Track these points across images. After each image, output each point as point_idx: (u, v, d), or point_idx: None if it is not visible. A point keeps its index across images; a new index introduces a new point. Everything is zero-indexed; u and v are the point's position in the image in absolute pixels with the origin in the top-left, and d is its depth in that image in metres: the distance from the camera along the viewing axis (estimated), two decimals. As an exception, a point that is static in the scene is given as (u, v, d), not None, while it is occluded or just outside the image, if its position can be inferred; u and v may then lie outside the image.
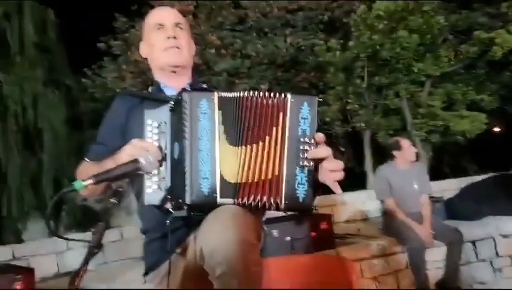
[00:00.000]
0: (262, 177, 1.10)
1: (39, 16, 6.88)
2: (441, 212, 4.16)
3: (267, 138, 1.12)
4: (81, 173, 1.34)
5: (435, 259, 3.47)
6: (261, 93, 1.14)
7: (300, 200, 1.10)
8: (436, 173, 7.26)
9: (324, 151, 1.11)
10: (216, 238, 1.03)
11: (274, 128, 1.11)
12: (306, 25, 7.42)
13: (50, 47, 7.21)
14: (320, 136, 1.11)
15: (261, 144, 1.12)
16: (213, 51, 7.16)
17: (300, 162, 1.10)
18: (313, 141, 1.11)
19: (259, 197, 1.10)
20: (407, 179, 3.66)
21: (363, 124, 6.65)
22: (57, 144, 6.78)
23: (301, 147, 1.11)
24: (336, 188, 1.13)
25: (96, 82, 7.60)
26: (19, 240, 6.97)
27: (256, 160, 1.11)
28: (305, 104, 1.12)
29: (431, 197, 4.01)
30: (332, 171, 1.11)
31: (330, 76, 6.59)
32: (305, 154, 1.10)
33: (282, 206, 1.10)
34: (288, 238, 3.28)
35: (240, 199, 1.10)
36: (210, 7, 7.66)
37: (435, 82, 7.05)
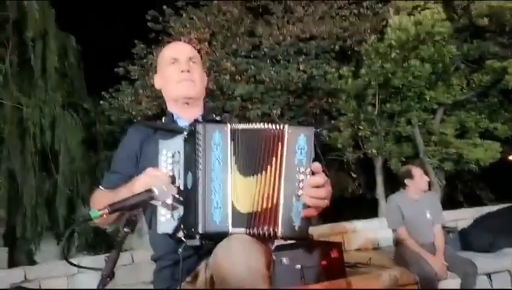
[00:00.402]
0: (264, 207, 1.14)
1: (61, 42, 7.16)
2: (455, 242, 4.08)
3: (268, 167, 1.16)
4: (95, 201, 1.38)
5: (448, 291, 3.39)
6: (264, 125, 1.19)
7: (296, 228, 1.13)
8: (450, 202, 7.15)
9: (319, 180, 1.14)
10: (227, 266, 1.05)
11: (273, 158, 1.16)
12: (318, 53, 7.55)
13: (70, 71, 7.47)
14: (317, 165, 1.15)
15: (263, 173, 1.16)
16: (228, 77, 7.30)
17: (297, 191, 1.14)
18: (309, 170, 1.14)
19: (261, 226, 1.13)
20: (419, 208, 3.63)
21: (374, 151, 6.63)
22: (72, 165, 6.91)
23: (297, 177, 1.14)
24: (310, 211, 1.13)
25: (113, 105, 7.79)
26: (31, 261, 7.03)
27: (260, 189, 1.15)
28: (302, 135, 1.16)
29: (444, 227, 3.96)
30: (316, 197, 1.14)
31: (342, 103, 6.64)
32: (301, 184, 1.14)
33: (279, 234, 1.12)
34: (299, 266, 3.26)
35: (251, 229, 1.13)
36: (225, 35, 7.86)
37: (447, 110, 7.04)
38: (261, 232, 1.13)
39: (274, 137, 1.17)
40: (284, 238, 1.14)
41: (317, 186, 1.14)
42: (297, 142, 1.15)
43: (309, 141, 1.16)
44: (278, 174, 1.15)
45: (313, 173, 1.15)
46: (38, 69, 6.69)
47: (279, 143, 1.16)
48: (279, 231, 1.12)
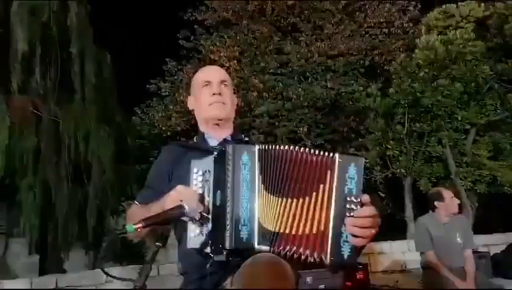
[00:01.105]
0: (307, 231, 1.16)
1: (97, 59, 7.48)
2: (486, 268, 3.93)
3: (314, 193, 1.17)
4: (130, 216, 1.45)
5: (478, 319, 3.26)
6: (308, 150, 1.21)
7: (345, 257, 1.14)
8: (482, 226, 6.90)
9: (370, 211, 1.16)
10: (252, 284, 1.08)
11: (321, 185, 1.17)
12: (346, 70, 7.55)
13: (104, 87, 7.77)
14: (366, 197, 1.16)
15: (307, 198, 1.18)
16: (255, 94, 7.40)
17: (347, 220, 1.15)
18: (359, 199, 1.16)
19: (301, 250, 1.15)
20: (449, 231, 3.53)
21: (403, 170, 6.52)
22: (103, 177, 7.11)
23: (347, 206, 1.15)
24: (359, 241, 1.15)
25: (145, 120, 8.02)
26: (61, 269, 7.22)
27: (301, 213, 1.17)
28: (352, 164, 1.17)
29: (476, 252, 3.83)
30: (365, 228, 1.15)
31: (370, 121, 6.59)
32: (351, 213, 1.15)
33: (328, 262, 1.14)
34: (323, 286, 3.23)
35: (276, 247, 1.16)
36: (254, 52, 8.00)
37: (480, 130, 6.86)
38: (302, 256, 1.15)
39: (321, 163, 1.19)
40: (332, 265, 1.15)
41: (367, 217, 1.15)
42: (348, 171, 1.17)
43: (359, 170, 1.17)
44: (327, 201, 1.16)
45: (362, 204, 1.16)
46: (76, 84, 7.00)
47: (328, 171, 1.18)
48: (328, 258, 1.14)
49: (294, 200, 1.18)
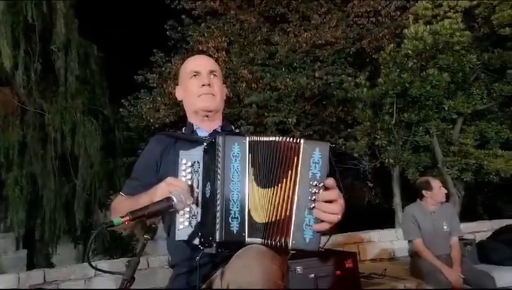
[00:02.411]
0: (278, 218, 1.16)
1: (83, 51, 7.36)
2: (472, 255, 4.01)
3: (284, 180, 1.18)
4: (117, 207, 1.43)
5: (465, 305, 3.33)
6: (283, 138, 1.22)
7: (307, 241, 1.15)
8: (469, 214, 7.02)
9: (332, 195, 1.16)
10: (243, 276, 1.08)
11: (289, 171, 1.18)
12: (334, 60, 7.54)
13: (91, 79, 7.66)
14: (330, 181, 1.17)
15: (280, 185, 1.18)
16: (244, 84, 7.36)
17: (309, 205, 1.15)
18: (322, 184, 1.16)
19: (274, 237, 1.15)
20: (437, 219, 3.59)
21: (391, 160, 6.57)
22: (90, 170, 7.05)
23: (311, 190, 1.16)
24: (321, 225, 1.15)
25: (132, 112, 7.93)
26: (49, 263, 7.17)
27: (276, 201, 1.18)
28: (317, 149, 1.18)
29: (462, 240, 3.90)
30: (327, 212, 1.15)
31: (358, 111, 6.61)
32: (314, 197, 1.16)
33: (290, 246, 1.14)
34: (312, 275, 3.25)
35: (267, 240, 1.16)
36: (242, 43, 7.94)
37: (467, 120, 6.94)
38: (273, 243, 1.15)
39: (290, 150, 1.19)
40: (294, 249, 1.16)
41: (330, 201, 1.15)
42: (313, 156, 1.17)
43: (324, 155, 1.17)
44: (292, 186, 1.17)
45: (326, 188, 1.16)
46: (61, 77, 6.88)
47: (295, 156, 1.18)
48: (290, 242, 1.14)
49: (274, 189, 1.18)
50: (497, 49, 6.56)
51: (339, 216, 1.16)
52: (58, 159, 6.87)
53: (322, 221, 1.15)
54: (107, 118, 7.89)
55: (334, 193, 1.17)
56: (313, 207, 1.15)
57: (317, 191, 1.16)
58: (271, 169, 1.20)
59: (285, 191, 1.18)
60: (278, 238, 1.15)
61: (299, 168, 1.17)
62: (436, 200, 3.64)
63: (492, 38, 6.64)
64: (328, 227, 1.15)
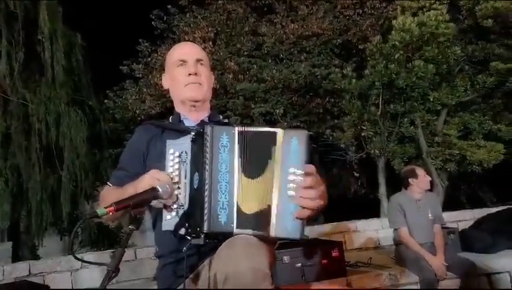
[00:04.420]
0: (260, 208, 1.16)
1: (68, 40, 7.21)
2: (455, 243, 4.10)
3: (266, 170, 1.18)
4: (103, 198, 1.42)
5: (448, 292, 3.41)
6: (266, 128, 1.22)
7: (289, 229, 1.14)
8: (452, 203, 7.16)
9: (310, 181, 1.15)
10: (230, 266, 1.08)
11: (269, 161, 1.18)
12: (321, 51, 7.55)
13: (76, 69, 7.52)
14: (310, 167, 1.16)
15: (263, 176, 1.18)
16: (231, 76, 7.33)
17: (288, 192, 1.15)
18: (300, 172, 1.15)
19: (257, 227, 1.15)
20: (421, 208, 3.65)
21: (377, 151, 6.65)
22: (76, 162, 6.96)
23: (289, 178, 1.15)
24: (302, 212, 1.15)
25: (118, 103, 7.84)
26: (35, 255, 7.10)
27: (260, 192, 1.18)
28: (295, 137, 1.17)
29: (445, 228, 3.98)
30: (307, 198, 1.15)
31: (345, 103, 6.65)
32: (293, 185, 1.15)
33: (272, 234, 1.14)
34: (299, 264, 3.29)
35: (255, 230, 1.16)
36: (229, 34, 7.89)
37: (451, 111, 7.05)
38: (257, 233, 1.15)
39: (269, 140, 1.19)
40: (276, 238, 1.16)
41: (309, 187, 1.15)
42: (290, 144, 1.17)
43: (301, 143, 1.17)
44: (272, 176, 1.17)
45: (306, 175, 1.16)
46: (48, 66, 6.75)
47: (273, 146, 1.18)
48: (271, 231, 1.14)
49: (258, 179, 1.18)
50: (481, 41, 6.66)
51: (321, 202, 1.16)
52: (43, 150, 6.76)
53: (304, 208, 1.14)
54: (92, 109, 7.78)
55: (314, 179, 1.16)
56: (293, 195, 1.15)
57: (295, 178, 1.15)
58: (258, 159, 1.20)
59: (266, 181, 1.17)
60: (259, 227, 1.15)
61: (278, 157, 1.17)
62: (422, 187, 3.70)
63: (476, 31, 6.73)
64: (309, 213, 1.15)
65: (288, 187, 1.15)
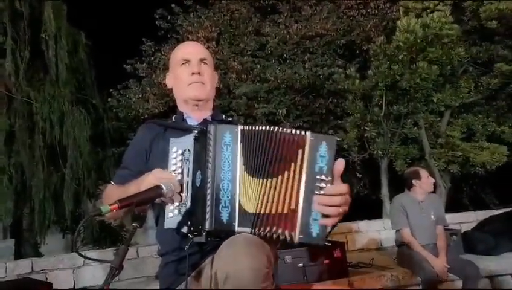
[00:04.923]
0: (279, 211, 1.15)
1: (72, 39, 7.24)
2: (458, 245, 4.09)
3: (286, 172, 1.17)
4: (107, 197, 1.42)
5: (450, 294, 3.41)
6: (283, 129, 1.20)
7: (314, 235, 1.14)
8: (455, 205, 7.14)
9: (339, 189, 1.15)
10: (230, 264, 1.08)
11: (292, 164, 1.17)
12: (324, 52, 7.55)
13: (80, 68, 7.55)
14: (337, 174, 1.16)
15: (280, 177, 1.17)
16: (234, 75, 7.33)
17: (316, 199, 1.14)
18: (329, 178, 1.15)
19: (274, 229, 1.15)
20: (424, 209, 3.65)
21: (380, 152, 6.63)
22: (79, 160, 6.99)
23: (317, 184, 1.15)
24: (328, 219, 1.15)
25: (121, 102, 7.86)
26: (37, 253, 7.13)
27: (275, 193, 1.16)
28: (324, 143, 1.17)
29: (448, 229, 3.97)
30: (335, 206, 1.15)
31: (348, 103, 6.64)
32: (321, 191, 1.15)
33: (296, 239, 1.14)
34: (301, 264, 3.29)
35: (256, 229, 1.16)
36: (232, 34, 7.89)
37: (454, 112, 7.02)
38: (274, 235, 1.14)
39: (294, 142, 1.18)
40: (301, 244, 1.15)
41: (336, 195, 1.14)
42: (319, 150, 1.16)
43: (331, 149, 1.16)
44: (298, 180, 1.16)
45: (333, 182, 1.15)
46: (52, 65, 6.77)
47: (300, 149, 1.17)
48: (297, 236, 1.13)
49: (270, 180, 1.17)
50: (485, 42, 6.63)
51: (346, 209, 1.17)
52: (47, 148, 6.78)
53: (329, 215, 1.14)
54: (96, 108, 7.80)
55: (341, 187, 1.16)
56: (320, 202, 1.14)
57: (324, 185, 1.15)
58: (268, 159, 1.18)
59: (287, 184, 1.16)
60: (279, 230, 1.14)
61: (304, 162, 1.16)
62: (425, 189, 3.70)
63: (480, 32, 6.70)
64: (335, 221, 1.15)
65: (315, 193, 1.14)
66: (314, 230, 1.14)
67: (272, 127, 1.20)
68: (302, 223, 1.14)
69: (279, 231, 1.15)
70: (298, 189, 1.15)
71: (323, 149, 1.16)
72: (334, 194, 1.14)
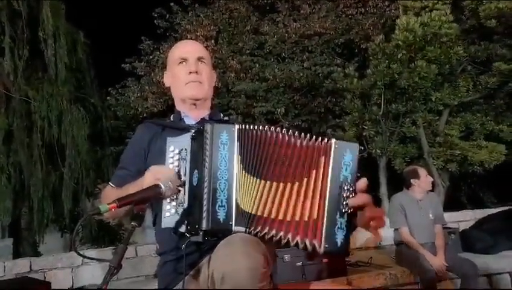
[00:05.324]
0: (297, 217, 1.14)
1: (71, 37, 7.22)
2: (456, 244, 4.10)
3: (305, 179, 1.15)
4: (105, 197, 1.42)
5: (449, 292, 3.42)
6: (298, 133, 1.18)
7: (339, 244, 1.13)
8: (453, 203, 7.15)
9: (365, 199, 1.15)
10: (228, 264, 1.07)
11: (314, 171, 1.15)
12: (323, 50, 7.55)
13: (78, 66, 7.53)
14: (362, 184, 1.15)
15: (296, 183, 1.15)
16: (233, 74, 7.34)
17: (341, 208, 1.13)
18: (354, 187, 1.14)
19: (289, 235, 1.13)
20: (423, 208, 3.65)
21: (378, 151, 6.64)
22: (78, 159, 6.98)
23: (342, 193, 1.13)
24: (377, 235, 1.16)
25: (120, 101, 7.85)
26: (36, 252, 7.12)
27: (290, 197, 1.15)
28: (348, 150, 1.15)
29: (446, 228, 3.98)
30: (373, 218, 1.15)
31: (347, 102, 6.65)
32: (346, 200, 1.13)
33: (322, 249, 1.12)
34: (300, 263, 3.30)
35: (253, 229, 1.15)
36: (231, 33, 7.89)
37: (453, 111, 7.04)
38: (291, 242, 1.13)
39: (315, 148, 1.16)
40: (326, 252, 1.14)
41: (361, 205, 1.14)
42: (344, 158, 1.15)
43: (354, 157, 1.15)
44: (321, 187, 1.14)
45: (356, 192, 1.14)
46: (51, 64, 6.76)
47: (323, 156, 1.15)
48: (322, 245, 1.12)
49: (275, 183, 1.16)
50: (484, 41, 6.64)
51: (384, 220, 1.17)
52: (45, 147, 6.77)
53: (354, 225, 1.14)
54: (94, 107, 7.79)
55: (366, 197, 1.15)
56: (345, 211, 1.12)
57: (349, 194, 1.13)
58: (268, 160, 1.17)
59: (307, 190, 1.15)
60: (298, 238, 1.13)
61: (329, 170, 1.14)
62: (424, 188, 3.70)
63: (479, 31, 6.71)
64: (355, 229, 1.15)
65: (341, 203, 1.13)
66: (339, 239, 1.12)
67: (272, 128, 1.19)
68: (327, 232, 1.12)
69: (297, 238, 1.13)
70: (322, 197, 1.14)
71: (348, 157, 1.15)
72: (359, 205, 1.13)
